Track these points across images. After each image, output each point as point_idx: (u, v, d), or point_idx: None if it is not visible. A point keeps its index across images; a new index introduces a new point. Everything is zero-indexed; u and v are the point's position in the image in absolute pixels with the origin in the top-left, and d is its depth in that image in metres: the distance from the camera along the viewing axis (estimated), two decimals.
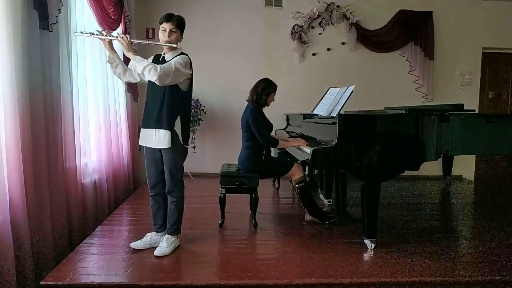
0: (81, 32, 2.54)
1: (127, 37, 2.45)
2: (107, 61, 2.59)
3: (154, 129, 2.52)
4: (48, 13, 2.59)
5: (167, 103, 2.48)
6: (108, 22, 3.64)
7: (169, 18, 2.48)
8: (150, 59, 2.61)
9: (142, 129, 2.62)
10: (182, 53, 2.57)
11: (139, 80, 2.66)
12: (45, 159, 2.64)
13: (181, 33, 2.56)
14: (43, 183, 2.59)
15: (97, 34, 2.47)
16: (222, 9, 5.30)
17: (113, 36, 2.50)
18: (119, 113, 4.24)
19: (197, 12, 5.19)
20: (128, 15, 4.33)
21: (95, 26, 3.58)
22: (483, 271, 2.38)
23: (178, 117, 2.52)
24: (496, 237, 3.02)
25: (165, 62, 2.51)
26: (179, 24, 2.50)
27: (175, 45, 2.52)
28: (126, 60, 2.63)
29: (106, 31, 2.53)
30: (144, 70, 2.34)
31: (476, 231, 3.28)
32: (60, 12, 2.76)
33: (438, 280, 2.27)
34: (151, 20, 5.14)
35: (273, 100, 3.33)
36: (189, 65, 2.53)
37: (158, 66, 2.35)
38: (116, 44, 2.55)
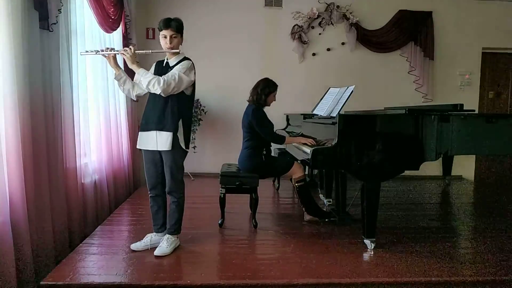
0: (87, 51, 2.58)
1: (131, 49, 2.46)
2: (114, 78, 2.60)
3: (155, 131, 2.51)
4: (48, 13, 2.59)
5: (171, 106, 2.48)
6: (108, 22, 3.65)
7: (167, 24, 2.46)
8: (153, 66, 2.63)
9: (140, 133, 2.59)
10: (185, 58, 2.56)
11: (147, 92, 2.64)
12: (45, 159, 2.64)
13: (181, 36, 2.55)
14: (43, 183, 2.59)
15: (101, 52, 2.49)
16: (222, 9, 5.30)
17: (117, 51, 2.50)
18: (119, 113, 4.24)
19: (197, 12, 5.19)
20: (128, 15, 4.33)
21: (95, 27, 3.59)
22: (483, 271, 2.38)
23: (180, 120, 2.52)
24: (496, 237, 3.02)
25: (169, 67, 2.53)
26: (178, 29, 2.49)
27: (178, 50, 2.53)
28: (129, 72, 2.64)
29: (110, 48, 2.54)
30: (149, 85, 2.39)
31: (476, 231, 3.28)
32: (60, 12, 2.76)
33: (438, 280, 2.26)
34: (151, 20, 5.14)
35: (274, 100, 3.33)
36: (193, 70, 2.53)
37: (161, 79, 2.37)
38: (119, 58, 2.55)
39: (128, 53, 2.44)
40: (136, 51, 2.48)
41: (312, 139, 3.11)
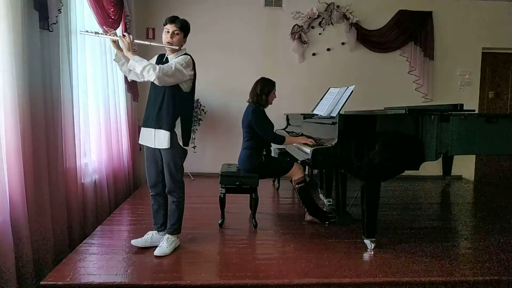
0: (87, 31, 2.53)
1: (130, 36, 2.45)
2: (114, 59, 2.60)
3: (153, 129, 2.51)
4: (48, 13, 2.59)
5: (167, 104, 2.47)
6: (108, 22, 3.64)
7: (172, 19, 2.48)
8: (154, 58, 2.61)
9: (142, 128, 2.62)
10: (185, 54, 2.56)
11: (141, 79, 2.66)
12: (45, 159, 2.64)
13: (185, 36, 2.55)
14: (43, 183, 2.59)
15: (101, 34, 2.51)
16: (222, 9, 5.30)
17: (117, 36, 2.51)
18: (119, 113, 4.24)
19: (197, 12, 5.19)
20: (128, 15, 4.33)
21: (96, 26, 3.58)
22: (483, 271, 2.38)
23: (179, 118, 2.51)
24: (496, 237, 3.02)
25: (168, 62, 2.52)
26: (182, 27, 2.50)
27: (176, 47, 2.51)
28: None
29: (112, 31, 2.53)
30: (144, 71, 2.34)
31: (476, 231, 3.28)
32: (60, 12, 2.76)
33: (438, 280, 2.27)
34: (151, 20, 5.15)
35: (275, 97, 3.32)
36: (191, 65, 2.52)
37: (158, 66, 2.35)
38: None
39: (126, 40, 2.43)
40: (134, 40, 2.48)
41: (312, 139, 3.10)
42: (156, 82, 2.38)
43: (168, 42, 2.49)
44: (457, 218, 3.72)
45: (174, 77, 2.42)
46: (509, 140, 2.85)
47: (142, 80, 2.61)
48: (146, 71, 2.34)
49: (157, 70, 2.33)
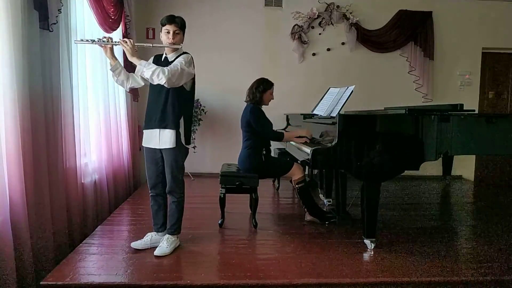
0: (82, 40, 2.53)
1: (130, 41, 2.45)
2: (110, 69, 2.59)
3: (158, 129, 2.51)
4: (48, 13, 2.59)
5: (172, 103, 2.48)
6: (108, 22, 3.65)
7: (172, 20, 2.48)
8: (150, 60, 2.61)
9: (144, 131, 2.61)
10: (184, 52, 2.57)
11: (142, 84, 2.67)
12: (45, 159, 2.64)
13: (183, 34, 2.57)
14: (43, 183, 2.59)
15: (98, 41, 2.47)
16: (222, 9, 5.31)
17: (115, 42, 2.50)
18: (119, 113, 4.24)
19: (197, 12, 5.19)
20: (128, 15, 4.33)
21: (95, 27, 3.59)
22: (483, 271, 2.38)
23: (182, 117, 2.52)
24: (496, 237, 3.02)
25: (169, 62, 2.52)
26: (182, 26, 2.52)
27: (179, 47, 2.53)
28: (127, 66, 2.63)
29: (108, 38, 2.51)
30: (153, 75, 2.35)
31: (476, 231, 3.28)
32: (60, 12, 2.76)
33: (438, 280, 2.26)
34: (151, 20, 5.14)
35: (272, 98, 3.33)
36: (193, 64, 2.54)
37: (166, 69, 2.35)
38: (116, 49, 2.55)
39: (128, 45, 2.42)
40: (135, 44, 2.48)
41: (310, 131, 3.11)
42: (165, 85, 2.38)
43: (170, 43, 2.49)
44: (457, 218, 3.72)
45: (183, 78, 2.44)
46: (509, 140, 2.85)
47: (142, 85, 2.64)
48: (156, 75, 2.34)
49: (166, 73, 2.33)
